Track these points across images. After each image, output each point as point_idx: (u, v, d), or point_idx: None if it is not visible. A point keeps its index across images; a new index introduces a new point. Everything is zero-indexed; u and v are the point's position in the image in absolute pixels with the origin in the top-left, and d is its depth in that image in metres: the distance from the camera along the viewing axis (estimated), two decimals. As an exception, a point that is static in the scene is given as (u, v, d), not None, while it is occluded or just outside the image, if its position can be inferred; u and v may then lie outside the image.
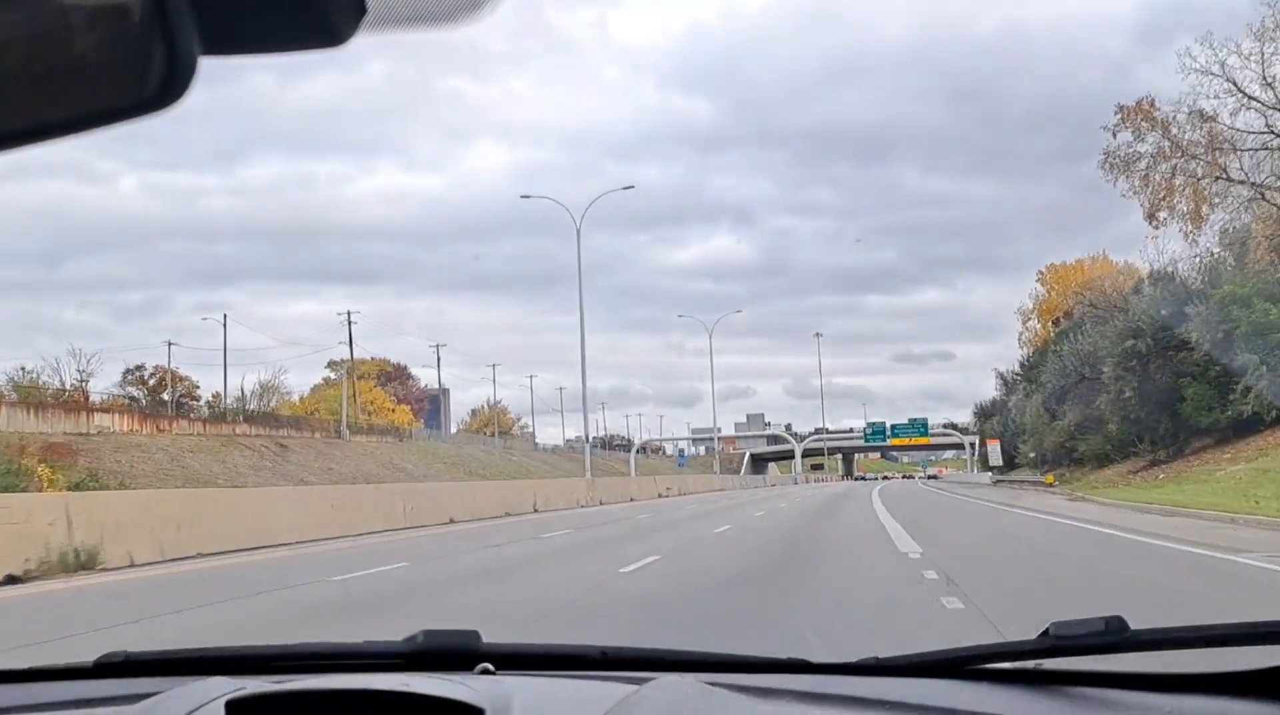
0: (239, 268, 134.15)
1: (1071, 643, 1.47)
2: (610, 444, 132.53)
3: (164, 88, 0.53)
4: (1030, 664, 1.51)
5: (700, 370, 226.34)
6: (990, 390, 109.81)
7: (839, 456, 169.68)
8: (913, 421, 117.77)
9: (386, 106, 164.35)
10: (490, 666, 1.58)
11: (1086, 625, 1.47)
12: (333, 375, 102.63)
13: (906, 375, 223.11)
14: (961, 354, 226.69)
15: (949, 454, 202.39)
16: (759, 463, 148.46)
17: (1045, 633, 1.48)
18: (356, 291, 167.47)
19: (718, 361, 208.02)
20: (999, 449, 64.58)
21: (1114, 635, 1.45)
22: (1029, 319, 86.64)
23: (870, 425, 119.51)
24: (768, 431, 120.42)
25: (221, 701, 1.27)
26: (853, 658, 1.61)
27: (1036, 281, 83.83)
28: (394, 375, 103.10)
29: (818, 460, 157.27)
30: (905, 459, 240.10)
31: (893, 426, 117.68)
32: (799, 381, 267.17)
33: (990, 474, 66.65)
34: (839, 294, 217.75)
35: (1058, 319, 73.12)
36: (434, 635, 1.65)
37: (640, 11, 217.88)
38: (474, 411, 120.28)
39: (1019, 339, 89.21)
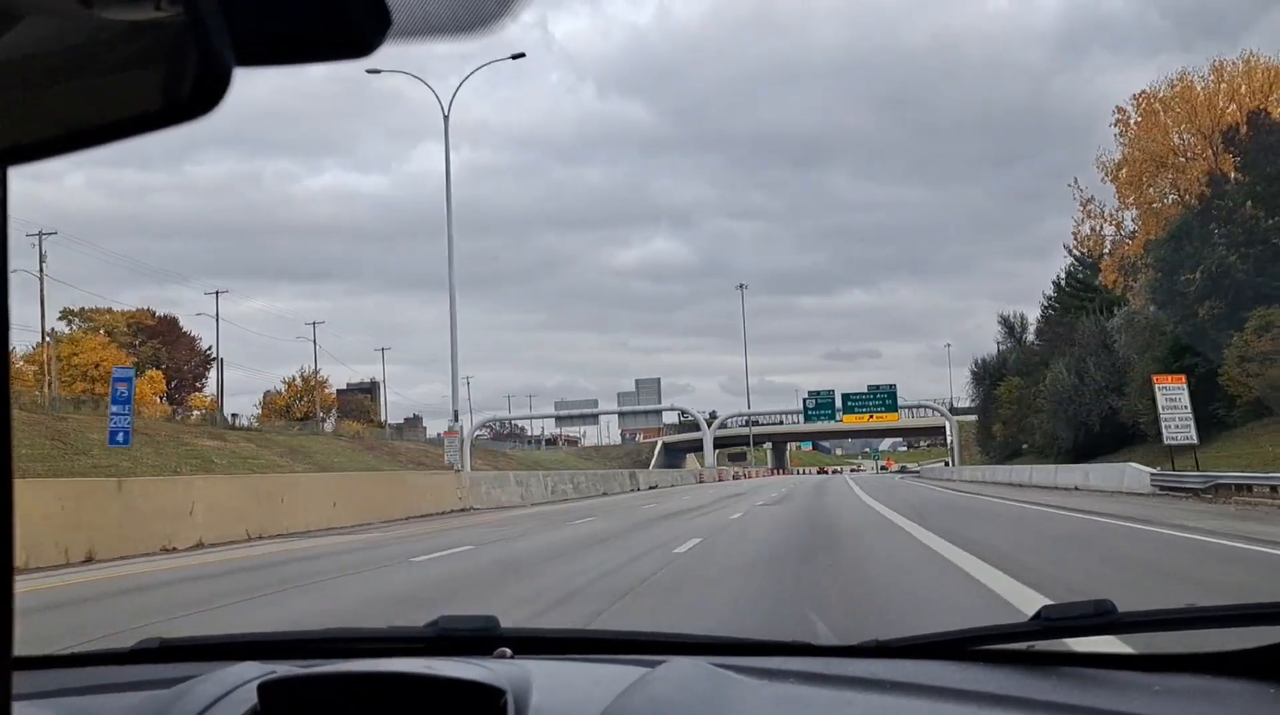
0: (189, 265, 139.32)
1: (1063, 624, 1.53)
2: (503, 434, 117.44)
3: (198, 98, 0.54)
4: (1023, 645, 1.54)
5: (645, 367, 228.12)
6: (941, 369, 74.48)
7: (768, 446, 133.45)
8: (875, 390, 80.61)
9: (330, 106, 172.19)
10: (508, 650, 1.62)
11: (1077, 608, 1.51)
12: (65, 327, 72.85)
13: (837, 373, 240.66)
14: (887, 352, 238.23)
15: (886, 444, 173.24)
16: (674, 453, 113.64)
17: (1038, 615, 1.52)
18: (307, 289, 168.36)
19: (658, 360, 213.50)
20: (1186, 405, 25.74)
21: (1103, 617, 1.49)
22: (1093, 195, 49.19)
23: (814, 396, 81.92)
24: (663, 407, 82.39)
25: (254, 685, 1.32)
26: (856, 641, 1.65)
27: (1113, 127, 46.07)
28: (158, 331, 79.93)
29: (739, 450, 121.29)
30: (840, 451, 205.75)
31: (845, 397, 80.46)
32: (735, 378, 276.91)
33: (1138, 468, 27.83)
34: (774, 295, 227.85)
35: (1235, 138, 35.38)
36: (454, 620, 1.74)
37: (580, 15, 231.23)
38: (285, 381, 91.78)
39: (1074, 235, 51.82)
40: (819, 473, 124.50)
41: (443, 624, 1.72)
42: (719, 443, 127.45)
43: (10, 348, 0.53)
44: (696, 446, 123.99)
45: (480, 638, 1.68)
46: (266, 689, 1.28)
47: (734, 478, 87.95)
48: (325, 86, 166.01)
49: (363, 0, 0.56)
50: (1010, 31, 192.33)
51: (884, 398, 79.36)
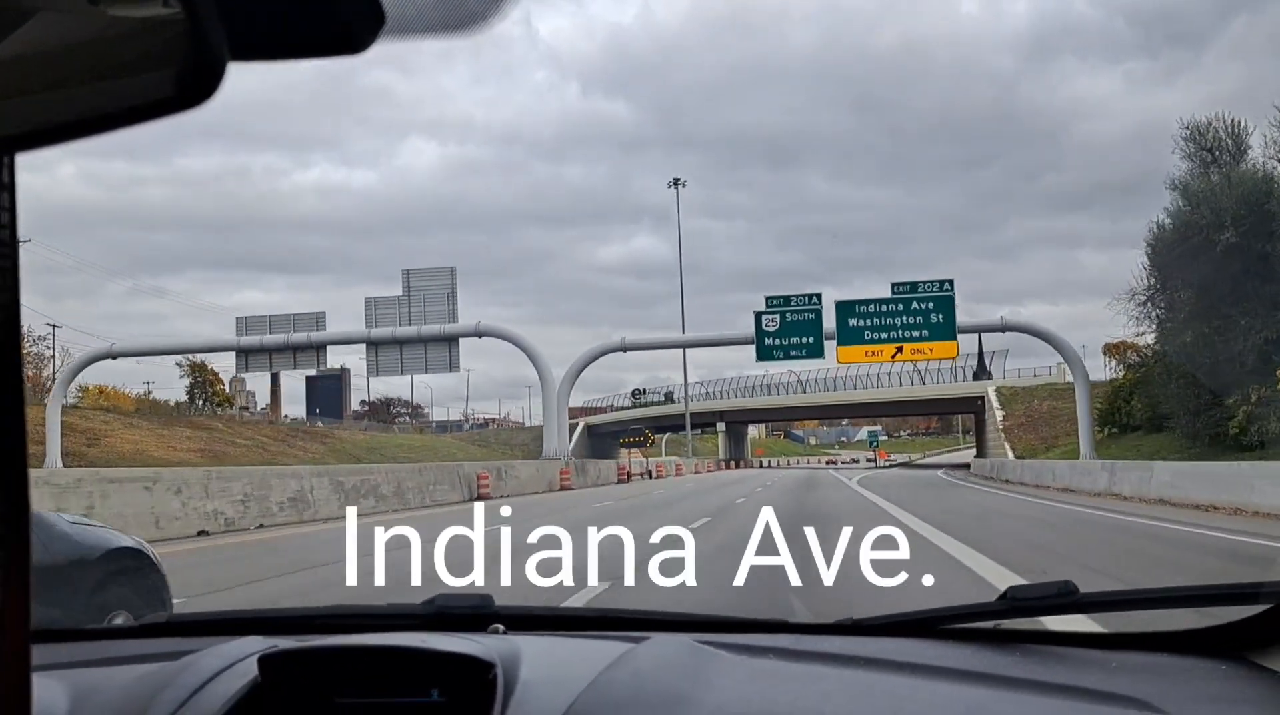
0: (179, 257, 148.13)
1: (1028, 604, 1.61)
2: (394, 414, 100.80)
3: (193, 90, 0.56)
4: (990, 624, 1.63)
5: (627, 362, 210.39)
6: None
7: (721, 428, 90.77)
8: (910, 290, 38.53)
9: (317, 100, 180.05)
10: (501, 626, 1.70)
11: (1041, 589, 1.60)
12: None
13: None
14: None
15: (861, 433, 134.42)
16: (603, 439, 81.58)
17: (1004, 595, 1.61)
18: (295, 282, 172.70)
19: (639, 354, 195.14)
20: None
21: (1065, 597, 1.58)
22: None
23: (777, 307, 39.55)
24: (463, 331, 39.74)
25: (255, 658, 1.39)
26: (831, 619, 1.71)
27: None
28: None
29: (638, 437, 79.74)
30: (814, 440, 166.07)
31: (843, 310, 38.25)
32: (712, 372, 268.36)
33: None
34: (751, 292, 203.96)
35: None
36: (450, 598, 1.81)
37: (564, 14, 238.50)
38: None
39: None
40: (828, 464, 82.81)
41: (439, 602, 1.76)
42: (653, 424, 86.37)
43: (23, 336, 0.38)
44: (640, 429, 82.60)
45: (475, 615, 1.72)
46: (267, 661, 1.35)
47: (621, 478, 45.54)
48: (313, 81, 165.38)
49: None
50: (981, 37, 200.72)
51: (927, 308, 37.16)
